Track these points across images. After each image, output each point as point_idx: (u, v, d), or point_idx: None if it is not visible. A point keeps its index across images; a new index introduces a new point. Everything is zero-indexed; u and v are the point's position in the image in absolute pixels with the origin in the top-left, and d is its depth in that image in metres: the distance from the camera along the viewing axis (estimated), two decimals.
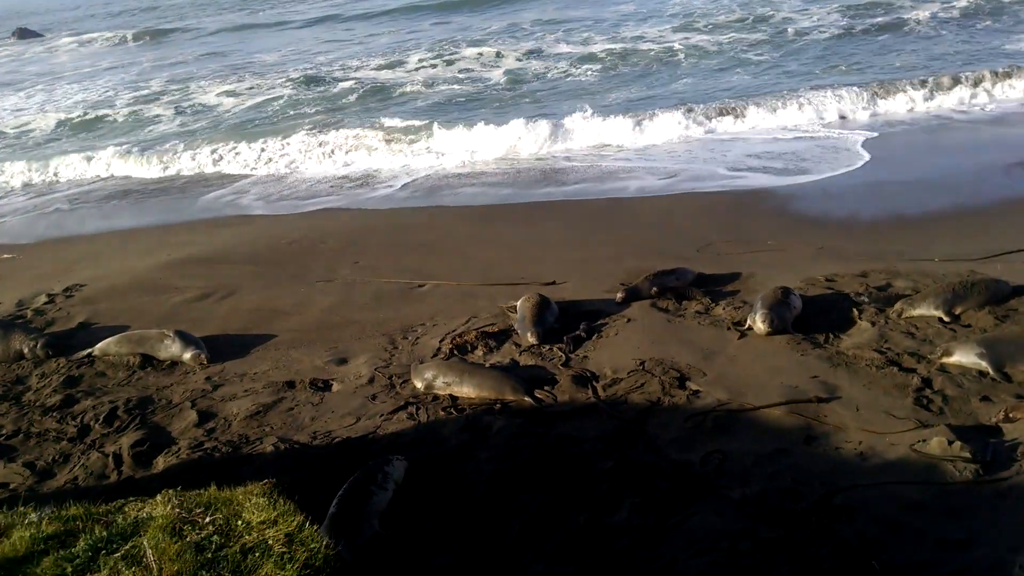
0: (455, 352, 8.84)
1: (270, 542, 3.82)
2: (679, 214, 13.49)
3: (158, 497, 4.43)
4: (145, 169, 20.29)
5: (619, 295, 9.79)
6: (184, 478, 6.92)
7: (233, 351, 9.49)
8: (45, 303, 11.43)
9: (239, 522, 4.07)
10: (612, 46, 28.56)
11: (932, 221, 12.05)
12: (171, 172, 20.01)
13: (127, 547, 3.83)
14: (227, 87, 28.75)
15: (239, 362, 9.22)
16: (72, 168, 20.72)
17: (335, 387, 8.47)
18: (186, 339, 9.32)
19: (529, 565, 5.46)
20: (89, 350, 9.56)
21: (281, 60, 34.12)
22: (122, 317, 10.64)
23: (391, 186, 17.12)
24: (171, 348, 9.25)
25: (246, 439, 7.55)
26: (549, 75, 25.55)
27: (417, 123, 20.69)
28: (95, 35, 49.44)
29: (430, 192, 16.42)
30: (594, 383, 7.92)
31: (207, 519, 4.02)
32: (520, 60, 28.36)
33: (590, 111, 19.17)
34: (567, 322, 9.33)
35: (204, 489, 4.55)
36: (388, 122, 21.05)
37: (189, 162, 20.22)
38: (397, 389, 8.26)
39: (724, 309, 9.29)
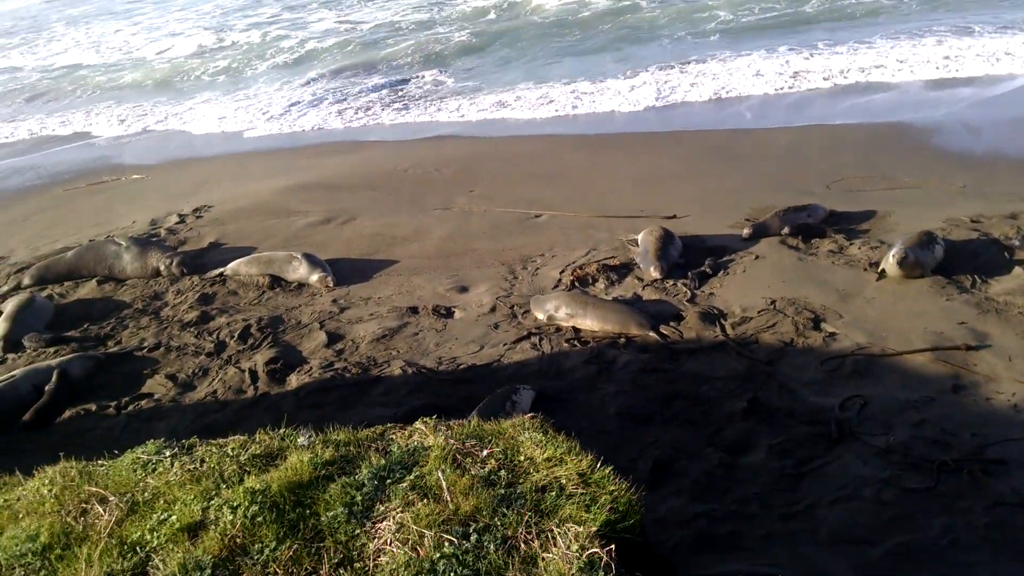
0: (576, 284, 8.75)
1: (563, 481, 3.52)
2: (806, 147, 12.85)
3: (418, 424, 4.20)
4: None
5: (745, 231, 9.45)
6: (318, 396, 7.19)
7: (356, 275, 9.66)
8: (176, 223, 11.88)
9: (521, 458, 3.78)
10: None
11: None
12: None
13: (411, 477, 3.63)
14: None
15: (363, 286, 9.39)
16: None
17: (457, 314, 8.53)
18: (313, 262, 9.53)
19: (665, 500, 5.41)
20: (221, 269, 9.91)
21: None
22: (249, 238, 10.98)
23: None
24: (299, 270, 9.49)
25: (374, 361, 7.70)
26: None
27: None
28: None
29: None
30: (722, 321, 7.71)
31: (484, 452, 3.76)
32: None
33: None
34: (691, 257, 9.10)
35: (467, 420, 4.34)
36: None
37: None
38: (519, 319, 8.25)
39: (860, 249, 8.85)
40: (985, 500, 5.09)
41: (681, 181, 11.94)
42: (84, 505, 3.84)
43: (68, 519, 3.74)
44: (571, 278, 8.84)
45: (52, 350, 8.46)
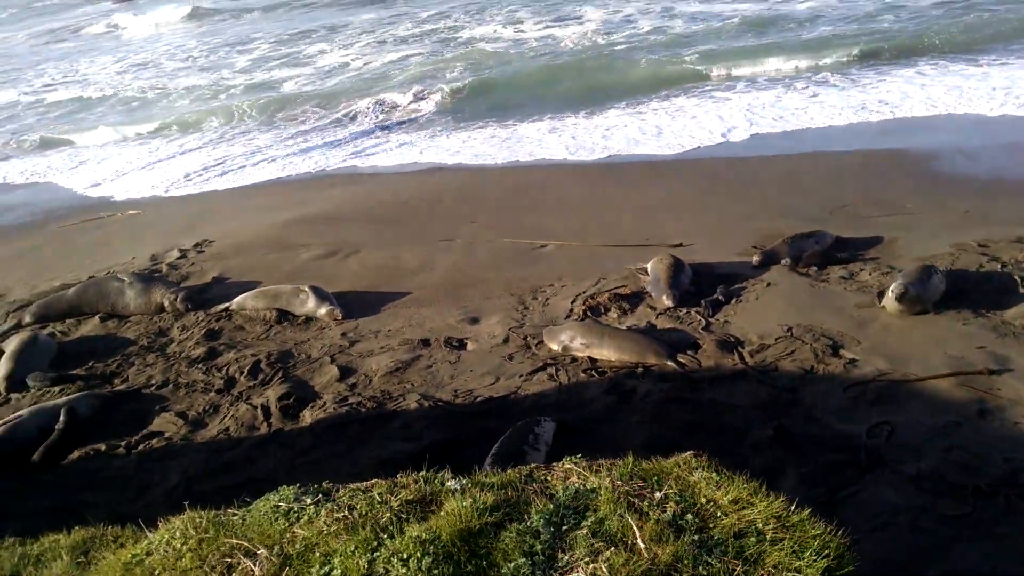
0: (588, 313, 8.69)
1: (759, 525, 3.23)
2: (806, 174, 12.94)
3: (567, 464, 3.87)
4: None
5: (755, 258, 9.46)
6: (334, 432, 7.07)
7: (364, 308, 9.58)
8: (178, 258, 11.78)
9: (703, 500, 3.47)
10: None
11: None
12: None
13: (588, 523, 3.30)
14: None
15: (372, 319, 9.31)
16: None
17: (470, 346, 8.45)
18: (321, 295, 9.45)
19: None
20: (226, 304, 9.80)
21: None
22: (253, 273, 10.88)
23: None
24: (307, 303, 9.40)
25: (389, 395, 7.60)
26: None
27: None
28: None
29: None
30: (739, 348, 7.67)
31: (658, 494, 3.43)
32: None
33: None
34: (701, 285, 9.08)
35: (619, 457, 3.98)
36: None
37: None
38: (533, 349, 8.18)
39: (871, 275, 8.86)
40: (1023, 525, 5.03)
41: (684, 210, 11.97)
42: (228, 559, 3.53)
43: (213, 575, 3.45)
44: (583, 308, 8.79)
45: (57, 389, 8.30)
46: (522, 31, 27.78)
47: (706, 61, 20.53)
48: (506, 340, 8.43)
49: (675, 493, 3.57)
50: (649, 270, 9.32)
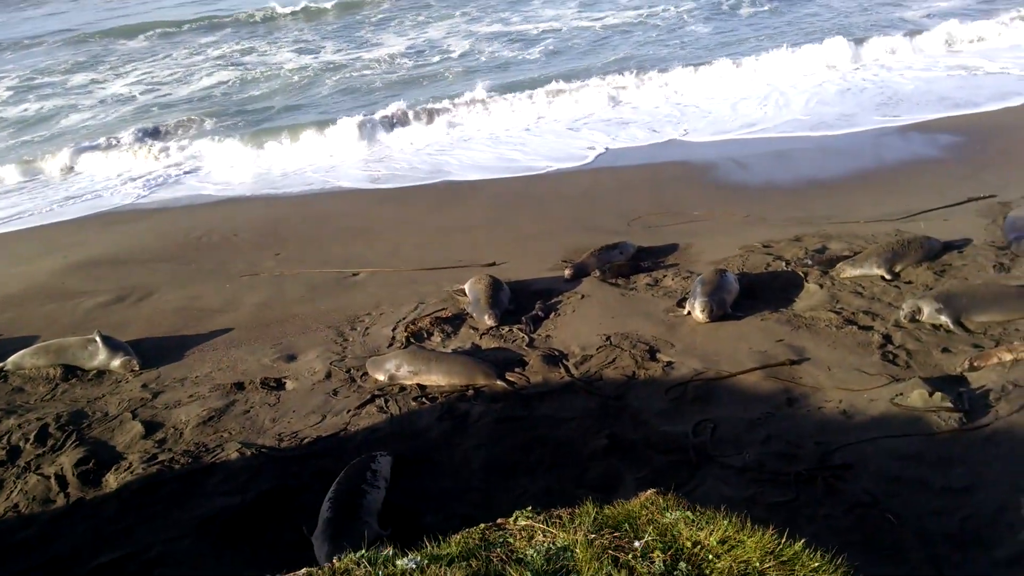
0: (412, 340, 8.52)
1: (756, 564, 3.05)
2: (602, 189, 13.52)
3: (523, 521, 3.50)
4: None
5: (567, 272, 9.72)
6: (145, 494, 6.41)
7: (166, 355, 8.81)
8: None
9: (687, 544, 3.24)
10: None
11: (846, 185, 12.54)
12: None
13: None
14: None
15: (176, 366, 8.57)
16: None
17: (289, 385, 8.00)
18: (113, 345, 8.58)
19: None
20: (0, 364, 8.64)
21: None
22: (28, 327, 9.71)
23: None
24: (97, 356, 8.50)
25: (205, 447, 7.00)
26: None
27: None
28: None
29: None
30: (564, 361, 7.80)
31: (637, 544, 3.15)
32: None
33: None
34: (520, 302, 9.18)
35: (576, 506, 3.71)
36: None
37: None
38: (358, 382, 7.88)
39: (673, 280, 9.37)
40: (842, 504, 5.44)
41: (492, 228, 12.11)
42: None
43: None
44: (406, 334, 8.60)
45: None
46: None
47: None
48: (328, 375, 8.06)
49: (656, 540, 3.36)
50: (468, 291, 9.30)
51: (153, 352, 8.89)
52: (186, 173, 16.67)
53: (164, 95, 23.05)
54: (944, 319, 7.48)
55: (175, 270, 11.36)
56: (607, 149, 15.62)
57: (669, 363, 7.56)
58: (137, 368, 8.49)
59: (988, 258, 8.87)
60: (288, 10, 32.39)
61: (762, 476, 5.86)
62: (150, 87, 23.99)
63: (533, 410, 7.09)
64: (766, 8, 26.41)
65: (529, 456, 6.43)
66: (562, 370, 7.65)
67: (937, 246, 9.06)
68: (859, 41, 20.48)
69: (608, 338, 8.10)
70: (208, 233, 12.95)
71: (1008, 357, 6.75)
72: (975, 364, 6.77)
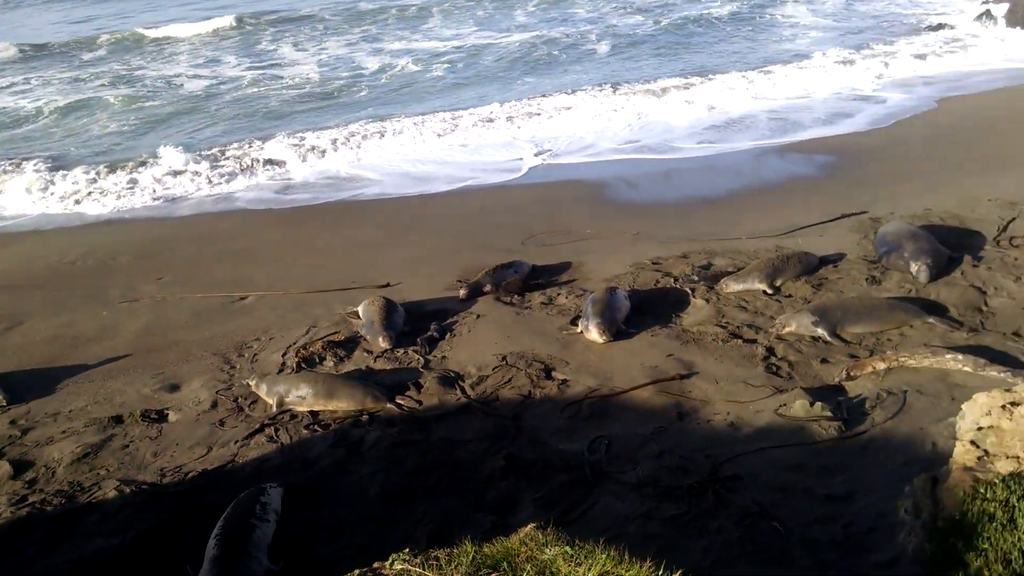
0: (303, 365, 8.29)
1: None
2: (495, 209, 13.56)
3: (396, 564, 3.33)
4: None
5: (462, 292, 9.68)
6: (14, 539, 5.98)
7: (36, 388, 8.28)
8: None
9: None
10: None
11: (728, 203, 13.01)
12: None
13: None
14: None
15: (47, 400, 8.06)
16: None
17: (172, 416, 7.64)
18: None
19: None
20: None
21: None
22: None
23: None
24: None
25: (80, 486, 6.59)
26: None
27: None
28: None
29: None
30: (460, 383, 7.76)
31: None
32: None
33: None
34: (415, 323, 9.08)
35: (454, 547, 3.63)
36: None
37: None
38: (247, 411, 7.61)
39: (567, 298, 9.46)
40: (733, 516, 5.56)
41: (384, 249, 11.95)
42: None
43: None
44: (296, 359, 8.36)
45: None
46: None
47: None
48: (214, 405, 7.74)
49: None
50: (361, 313, 9.14)
51: (22, 385, 8.34)
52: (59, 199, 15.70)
53: None
54: (821, 331, 7.83)
55: (46, 296, 10.70)
56: (507, 169, 15.70)
57: (564, 381, 7.62)
58: (4, 403, 7.94)
59: (861, 271, 9.35)
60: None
61: (656, 491, 5.95)
62: None
63: (429, 433, 7.01)
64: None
65: (426, 481, 6.34)
66: (458, 391, 7.59)
67: (814, 261, 9.50)
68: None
69: (504, 358, 8.10)
70: (83, 256, 12.29)
71: (882, 366, 7.13)
72: (851, 373, 7.10)
